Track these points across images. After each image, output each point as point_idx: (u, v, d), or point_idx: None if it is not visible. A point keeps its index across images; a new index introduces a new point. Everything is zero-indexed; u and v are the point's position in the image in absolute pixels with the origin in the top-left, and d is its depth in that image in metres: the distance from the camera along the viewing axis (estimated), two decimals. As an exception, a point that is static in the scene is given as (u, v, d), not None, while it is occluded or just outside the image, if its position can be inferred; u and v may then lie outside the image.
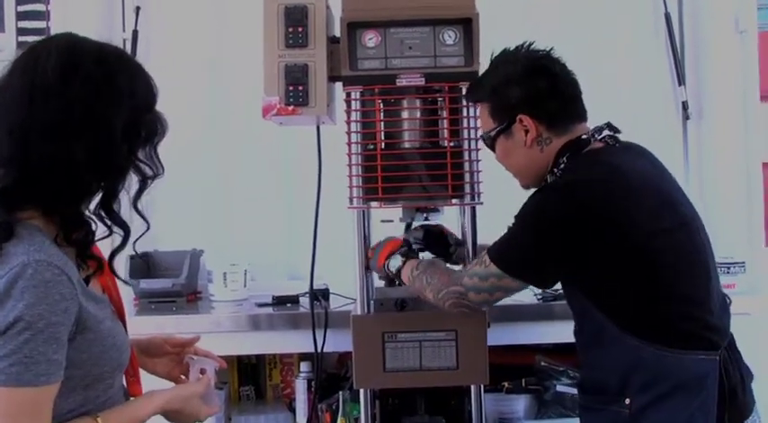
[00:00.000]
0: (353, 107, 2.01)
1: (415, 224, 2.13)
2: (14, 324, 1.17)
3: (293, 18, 2.01)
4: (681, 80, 3.00)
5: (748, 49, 2.93)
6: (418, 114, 2.04)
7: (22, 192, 1.25)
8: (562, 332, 2.08)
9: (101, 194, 1.32)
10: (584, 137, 1.73)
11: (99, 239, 1.35)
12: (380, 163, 1.98)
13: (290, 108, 1.99)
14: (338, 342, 2.26)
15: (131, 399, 1.45)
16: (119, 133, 1.28)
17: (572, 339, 1.78)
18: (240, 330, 2.49)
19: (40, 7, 3.04)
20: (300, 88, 1.99)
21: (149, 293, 2.69)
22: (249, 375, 2.83)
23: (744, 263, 2.69)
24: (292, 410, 2.67)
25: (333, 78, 2.04)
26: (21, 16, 3.05)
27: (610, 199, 1.60)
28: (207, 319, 2.57)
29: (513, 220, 1.69)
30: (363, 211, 2.04)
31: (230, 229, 2.97)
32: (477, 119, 1.94)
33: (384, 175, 1.97)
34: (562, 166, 1.72)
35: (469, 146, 1.99)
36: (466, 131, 1.99)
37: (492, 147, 1.83)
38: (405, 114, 2.03)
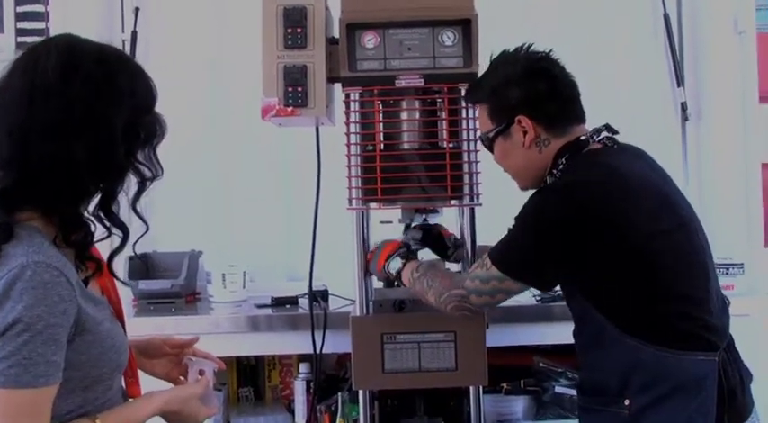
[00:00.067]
0: (352, 108, 2.01)
1: (414, 225, 2.13)
2: (13, 325, 1.16)
3: (292, 19, 2.01)
4: (680, 81, 3.00)
5: (747, 50, 2.93)
6: (417, 115, 2.04)
7: (22, 193, 1.24)
8: (561, 333, 2.09)
9: (100, 196, 1.32)
10: (582, 138, 1.74)
11: (98, 241, 1.35)
12: (379, 164, 1.98)
13: (289, 109, 1.99)
14: (337, 343, 2.26)
15: (130, 400, 1.45)
16: (119, 133, 1.27)
17: (570, 340, 1.78)
18: (239, 331, 2.49)
19: (39, 8, 3.04)
20: (299, 89, 1.99)
21: (148, 294, 2.69)
22: (248, 376, 2.83)
23: (742, 264, 2.69)
24: (291, 411, 2.67)
25: (332, 79, 2.04)
26: (20, 17, 3.05)
27: (608, 200, 1.60)
28: (206, 320, 2.57)
29: (512, 222, 1.69)
30: (362, 212, 2.04)
31: (229, 230, 2.96)
32: (476, 120, 1.94)
33: (383, 176, 1.97)
34: (561, 167, 1.73)
35: (468, 147, 1.99)
36: (465, 133, 1.99)
37: (490, 148, 1.83)
38: (404, 115, 2.03)
